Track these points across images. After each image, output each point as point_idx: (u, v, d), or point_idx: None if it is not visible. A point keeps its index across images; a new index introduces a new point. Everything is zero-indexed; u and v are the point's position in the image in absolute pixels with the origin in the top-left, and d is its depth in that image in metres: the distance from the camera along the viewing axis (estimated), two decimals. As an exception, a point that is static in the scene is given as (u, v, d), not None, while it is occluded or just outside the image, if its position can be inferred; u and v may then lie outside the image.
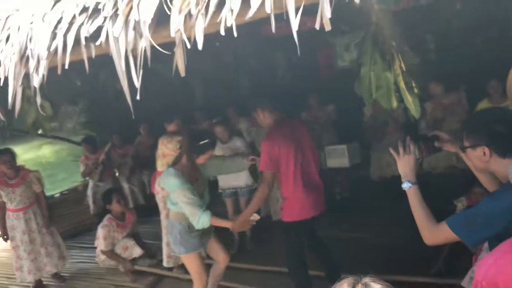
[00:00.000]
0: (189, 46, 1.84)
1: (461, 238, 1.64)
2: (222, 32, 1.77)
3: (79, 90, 6.29)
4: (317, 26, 1.54)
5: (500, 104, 4.29)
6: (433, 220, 1.77)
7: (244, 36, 4.93)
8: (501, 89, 4.37)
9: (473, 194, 3.50)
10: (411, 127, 4.88)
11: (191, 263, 3.45)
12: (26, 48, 2.37)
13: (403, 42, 2.69)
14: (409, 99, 2.55)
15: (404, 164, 1.93)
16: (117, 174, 6.88)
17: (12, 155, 4.69)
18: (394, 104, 2.55)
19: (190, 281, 4.27)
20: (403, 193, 1.89)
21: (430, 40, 5.30)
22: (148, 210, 6.69)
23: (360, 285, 1.08)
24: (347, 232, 4.80)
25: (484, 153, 1.67)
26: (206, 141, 3.29)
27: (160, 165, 4.51)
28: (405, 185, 1.89)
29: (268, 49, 5.47)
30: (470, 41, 5.24)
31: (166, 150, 4.37)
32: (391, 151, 1.98)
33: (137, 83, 1.95)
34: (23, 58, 2.39)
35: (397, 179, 1.97)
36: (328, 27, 1.54)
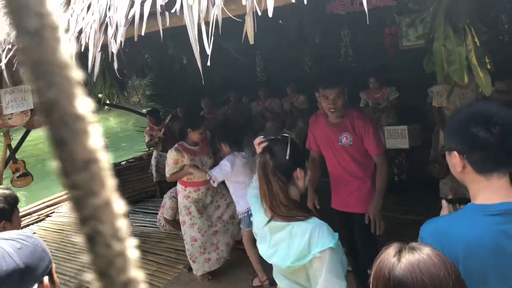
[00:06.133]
0: (259, 13, 1.89)
1: None
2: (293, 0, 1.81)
3: (147, 63, 6.55)
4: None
5: None
6: None
7: (309, 13, 4.90)
8: None
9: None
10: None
11: None
12: (105, 16, 2.53)
13: (478, 18, 2.60)
14: (480, 75, 2.47)
15: None
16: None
17: None
18: (466, 80, 2.47)
19: (239, 250, 4.43)
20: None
21: (504, 21, 5.01)
22: (207, 181, 6.98)
23: (407, 248, 1.10)
24: (404, 213, 4.75)
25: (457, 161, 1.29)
26: None
27: None
28: None
29: (333, 26, 5.40)
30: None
31: None
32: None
33: (208, 50, 2.03)
34: (102, 25, 2.55)
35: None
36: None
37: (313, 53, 6.17)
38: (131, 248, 0.33)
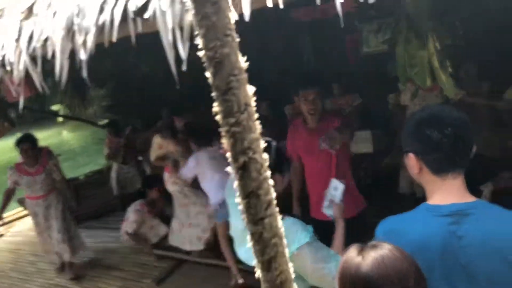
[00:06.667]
0: (236, 18, 1.89)
1: None
2: (270, 4, 1.82)
3: (106, 73, 6.38)
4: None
5: None
6: None
7: (271, 21, 4.95)
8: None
9: (500, 178, 3.45)
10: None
11: None
12: (73, 23, 2.45)
13: (439, 23, 2.71)
14: (442, 79, 2.58)
15: None
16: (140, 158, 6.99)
17: (31, 143, 4.64)
18: (429, 82, 2.58)
19: (208, 265, 4.44)
20: None
21: (459, 26, 5.19)
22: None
23: (368, 246, 1.14)
24: (369, 216, 4.83)
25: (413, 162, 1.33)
26: None
27: None
28: None
29: (295, 34, 5.48)
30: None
31: None
32: None
33: (184, 55, 2.00)
34: (70, 32, 2.46)
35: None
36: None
37: (275, 61, 6.22)
38: (270, 177, 0.43)
